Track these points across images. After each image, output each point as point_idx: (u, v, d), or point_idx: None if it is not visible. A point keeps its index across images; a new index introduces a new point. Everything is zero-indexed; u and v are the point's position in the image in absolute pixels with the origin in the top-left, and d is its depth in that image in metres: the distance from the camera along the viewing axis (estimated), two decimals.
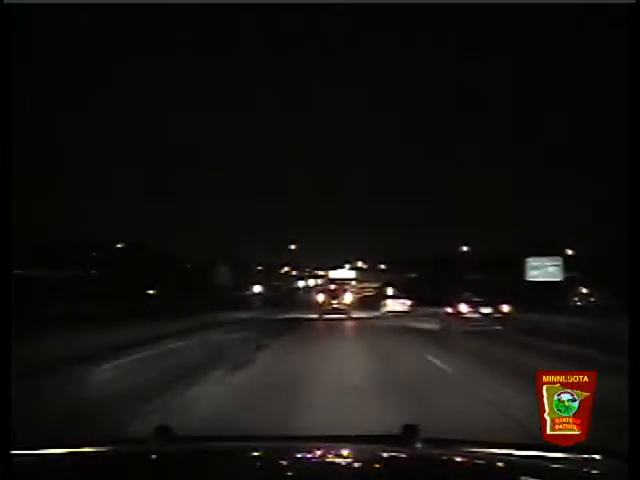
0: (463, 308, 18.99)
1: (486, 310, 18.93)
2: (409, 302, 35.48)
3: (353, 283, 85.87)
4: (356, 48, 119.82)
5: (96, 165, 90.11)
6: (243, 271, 65.41)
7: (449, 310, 19.80)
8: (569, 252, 55.15)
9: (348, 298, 30.67)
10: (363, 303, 39.30)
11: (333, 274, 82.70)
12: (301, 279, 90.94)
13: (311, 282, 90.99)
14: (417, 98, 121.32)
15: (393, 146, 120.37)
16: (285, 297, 62.68)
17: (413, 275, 72.92)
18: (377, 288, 73.95)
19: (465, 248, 65.25)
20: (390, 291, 47.45)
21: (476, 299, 19.54)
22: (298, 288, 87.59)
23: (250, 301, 50.06)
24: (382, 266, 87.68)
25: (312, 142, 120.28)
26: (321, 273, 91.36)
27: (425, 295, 40.88)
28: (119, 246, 56.32)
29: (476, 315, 18.74)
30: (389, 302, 36.02)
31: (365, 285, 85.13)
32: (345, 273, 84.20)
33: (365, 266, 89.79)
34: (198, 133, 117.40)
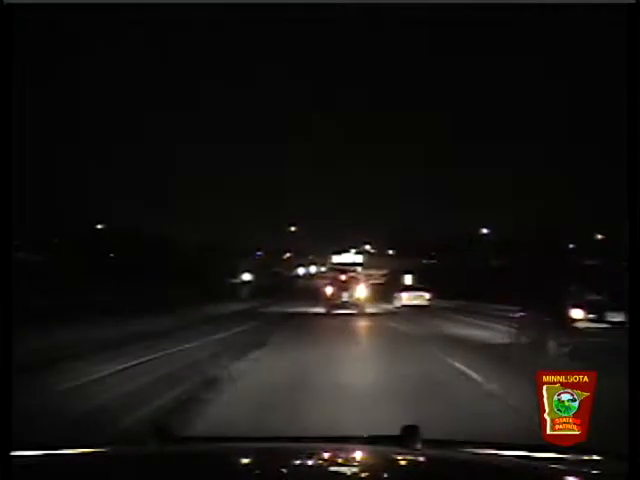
0: (577, 313, 11.59)
1: (617, 317, 11.41)
2: (428, 294, 30.51)
3: (359, 270, 73.67)
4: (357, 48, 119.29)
5: (92, 161, 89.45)
6: (237, 256, 58.87)
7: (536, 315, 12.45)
8: (598, 236, 48.89)
9: (362, 292, 26.54)
10: (371, 293, 34.29)
11: (337, 259, 70.37)
12: (301, 265, 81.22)
13: (312, 269, 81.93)
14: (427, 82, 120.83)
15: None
16: (282, 286, 55.06)
17: (430, 261, 61.56)
18: (385, 275, 67.72)
19: (485, 230, 54.22)
20: (409, 280, 42.02)
21: (593, 297, 11.89)
22: (298, 276, 78.86)
23: (238, 291, 44.33)
24: (390, 251, 77.44)
25: (317, 119, 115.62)
26: (325, 259, 78.95)
27: (447, 285, 35.79)
28: (99, 227, 49.27)
29: (598, 325, 11.45)
30: (404, 294, 30.93)
31: (372, 272, 72.89)
32: (350, 257, 72.25)
33: (373, 250, 79.11)
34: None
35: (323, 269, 70.95)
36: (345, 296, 25.92)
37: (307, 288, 46.48)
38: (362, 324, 19.63)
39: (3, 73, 2.68)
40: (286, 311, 25.58)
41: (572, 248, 50.63)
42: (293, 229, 68.08)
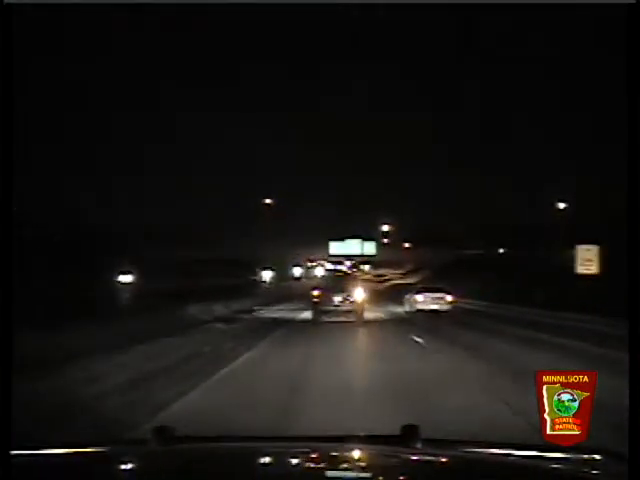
0: None
1: None
2: (450, 297, 25.00)
3: (367, 268, 60.63)
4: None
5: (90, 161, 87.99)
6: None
7: None
8: None
9: (359, 294, 21.46)
10: (379, 294, 27.43)
11: (337, 248, 47.84)
12: (269, 268, 53.89)
13: (297, 271, 60.20)
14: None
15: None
16: (245, 289, 37.25)
17: (473, 252, 47.07)
18: (408, 274, 55.44)
19: (562, 205, 36.16)
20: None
21: None
22: (255, 280, 50.95)
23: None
24: (407, 244, 54.27)
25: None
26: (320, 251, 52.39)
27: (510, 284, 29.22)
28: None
29: None
30: (419, 296, 25.14)
31: (385, 271, 60.60)
32: (356, 247, 48.36)
33: (387, 240, 53.29)
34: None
35: (322, 272, 52.80)
36: (337, 300, 21.85)
37: (288, 295, 34.44)
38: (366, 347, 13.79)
39: (3, 73, 2.68)
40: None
41: None
42: (269, 201, 46.31)
